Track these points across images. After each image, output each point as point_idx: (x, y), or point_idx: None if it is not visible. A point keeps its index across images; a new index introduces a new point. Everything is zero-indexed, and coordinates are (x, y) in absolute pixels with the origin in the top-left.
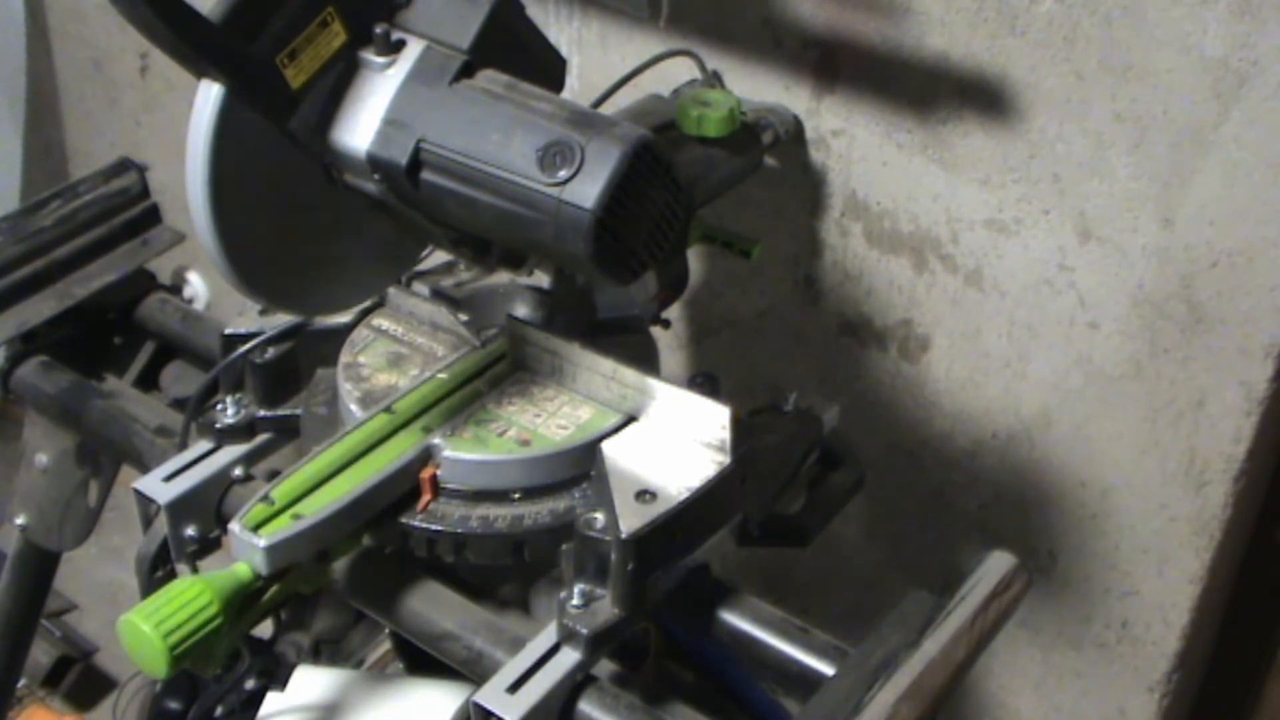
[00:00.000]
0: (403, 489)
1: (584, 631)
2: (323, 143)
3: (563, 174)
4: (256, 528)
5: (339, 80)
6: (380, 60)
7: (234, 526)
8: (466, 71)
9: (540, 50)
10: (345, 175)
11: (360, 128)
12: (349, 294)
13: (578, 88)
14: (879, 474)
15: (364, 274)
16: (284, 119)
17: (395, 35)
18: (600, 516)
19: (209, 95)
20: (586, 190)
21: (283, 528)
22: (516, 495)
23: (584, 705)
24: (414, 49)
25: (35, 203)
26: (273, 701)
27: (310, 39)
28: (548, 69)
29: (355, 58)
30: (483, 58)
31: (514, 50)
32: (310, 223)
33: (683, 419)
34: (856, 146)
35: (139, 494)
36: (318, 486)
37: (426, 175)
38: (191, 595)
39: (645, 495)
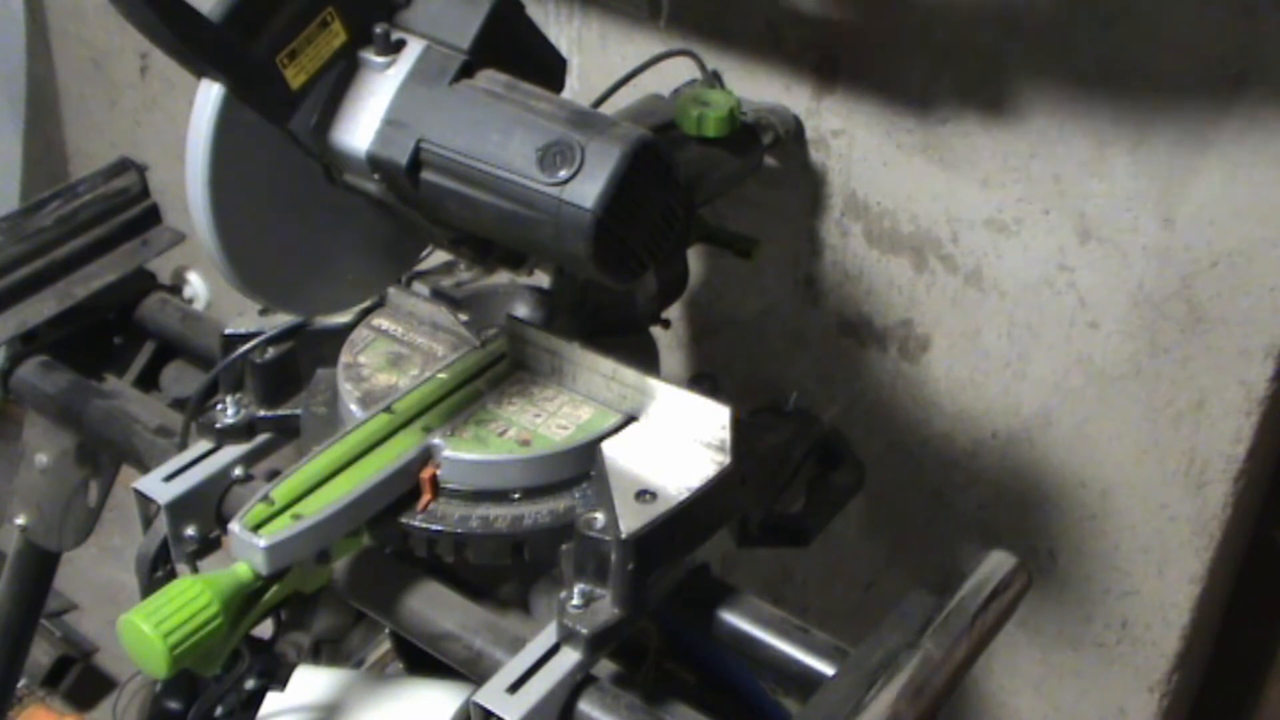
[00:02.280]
0: (403, 489)
1: (584, 631)
2: (323, 143)
3: (563, 174)
4: (256, 528)
5: (339, 80)
6: (380, 60)
7: (234, 526)
8: (466, 71)
9: (540, 50)
10: (345, 175)
11: (360, 128)
12: (349, 294)
13: (578, 88)
14: (879, 474)
15: (364, 274)
16: (284, 119)
17: (395, 35)
18: (600, 516)
19: (209, 95)
20: (587, 190)
21: (283, 528)
22: (516, 495)
23: (584, 705)
24: (414, 49)
25: (35, 203)
26: (273, 701)
27: (310, 39)
28: (548, 69)
29: (355, 58)
30: (483, 58)
31: (514, 50)
32: (310, 222)
33: (683, 419)
34: (856, 146)
35: (139, 494)
36: (318, 486)
37: (426, 175)
38: (191, 595)
39: (645, 495)
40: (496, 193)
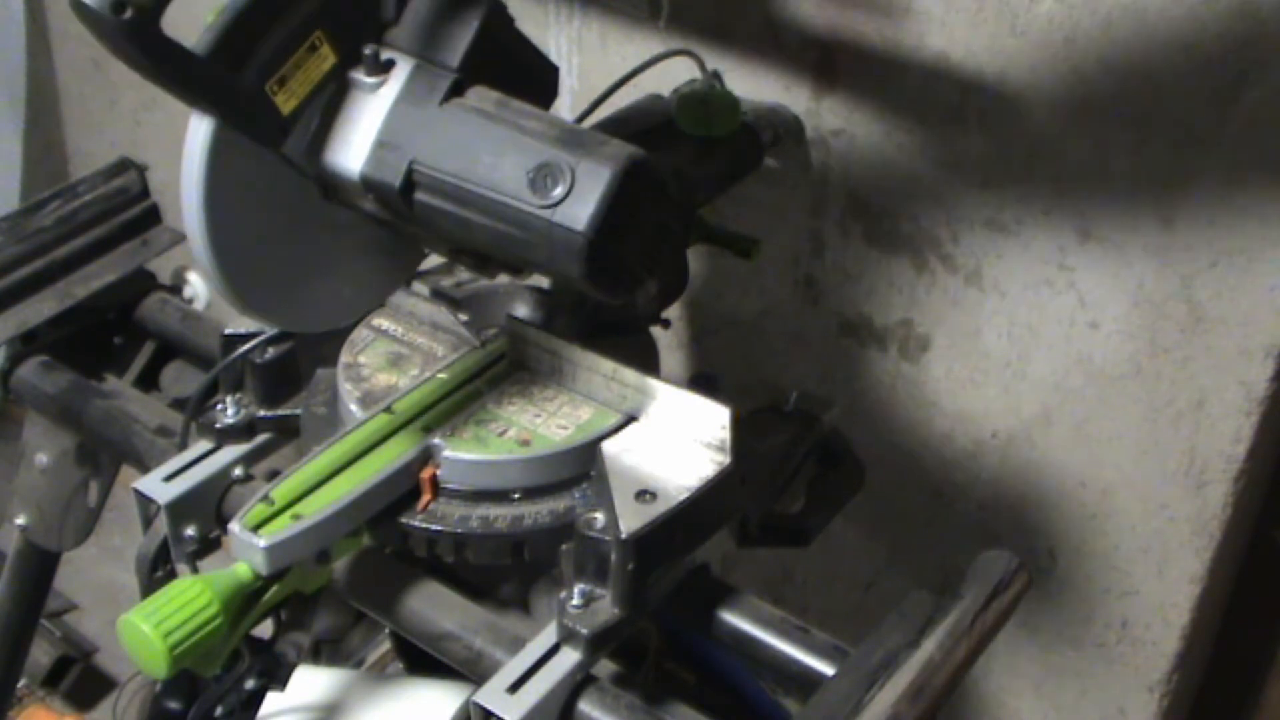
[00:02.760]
0: (403, 489)
1: (584, 631)
2: (317, 165)
3: (554, 195)
4: (256, 528)
5: (330, 102)
6: (370, 81)
7: (234, 526)
8: (456, 90)
9: (531, 62)
10: (340, 195)
11: (353, 150)
12: (350, 307)
13: (578, 88)
14: (879, 474)
15: (364, 286)
16: (276, 144)
17: (384, 55)
18: (600, 516)
19: (200, 125)
20: (578, 212)
21: (283, 528)
22: (516, 495)
23: (584, 705)
24: (403, 69)
25: (35, 203)
26: (273, 701)
27: (299, 64)
28: (539, 80)
29: (345, 79)
30: (473, 74)
31: (504, 64)
32: (308, 240)
33: (683, 419)
34: (856, 146)
35: (139, 494)
36: (318, 486)
37: (420, 196)
38: (191, 595)
39: (645, 495)
40: (489, 214)
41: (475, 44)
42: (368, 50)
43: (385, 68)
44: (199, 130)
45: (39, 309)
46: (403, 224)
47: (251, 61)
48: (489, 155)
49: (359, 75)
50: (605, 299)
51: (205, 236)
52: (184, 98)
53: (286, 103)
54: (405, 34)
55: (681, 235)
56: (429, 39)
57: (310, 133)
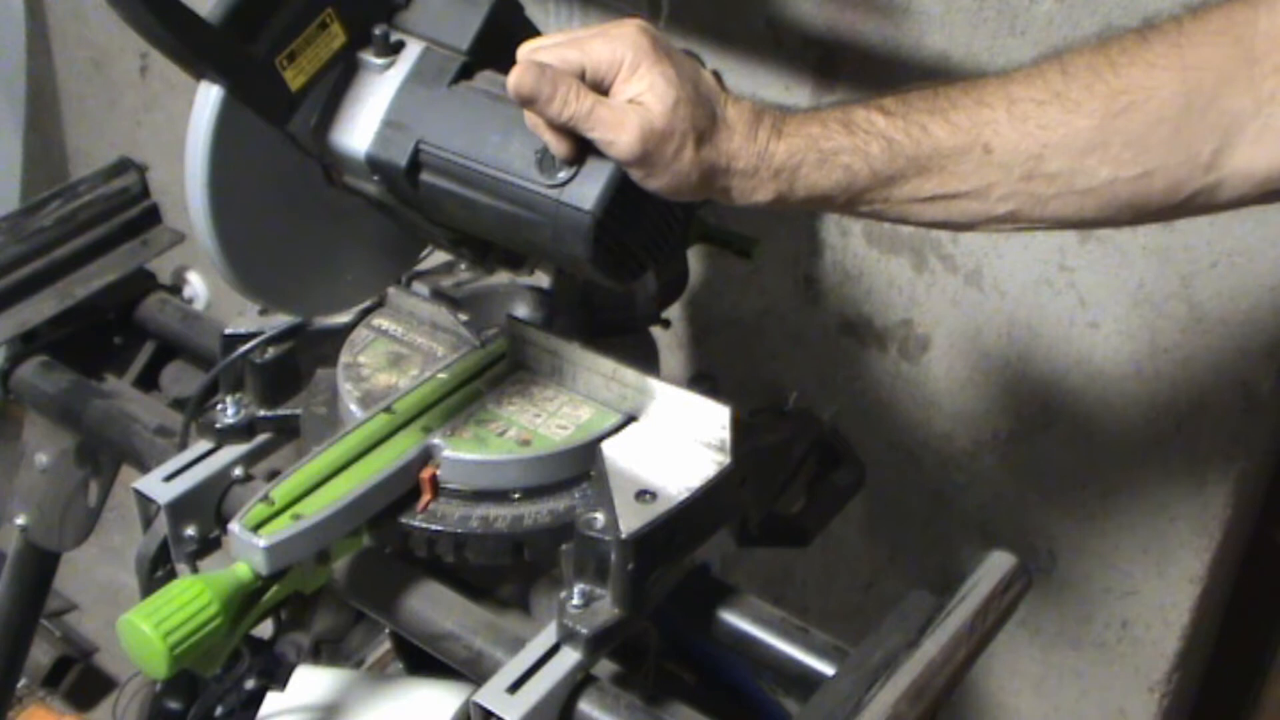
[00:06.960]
0: (403, 489)
1: (584, 631)
2: (322, 144)
3: (561, 175)
4: (256, 528)
5: (338, 81)
6: (379, 61)
7: (234, 526)
8: (465, 73)
9: None
10: (345, 176)
11: (359, 129)
12: (348, 294)
13: None
14: (879, 474)
15: (363, 274)
16: (283, 120)
17: (394, 37)
18: (600, 516)
19: (208, 96)
20: (585, 192)
21: (283, 528)
22: (516, 495)
23: (584, 705)
24: (413, 50)
25: (35, 203)
26: (273, 701)
27: (309, 40)
28: None
29: (354, 59)
30: (482, 59)
31: (513, 50)
32: (310, 223)
33: (683, 419)
34: None
35: (139, 494)
36: (318, 486)
37: (426, 177)
38: (191, 595)
39: (645, 495)
40: (495, 194)
41: (485, 28)
42: (378, 31)
43: (395, 49)
44: (205, 105)
45: (39, 309)
46: (406, 208)
47: (263, 34)
48: (497, 135)
49: (368, 56)
50: (608, 283)
51: (207, 211)
52: (194, 67)
53: (295, 79)
54: (415, 17)
55: (683, 225)
56: (439, 22)
57: (317, 111)
